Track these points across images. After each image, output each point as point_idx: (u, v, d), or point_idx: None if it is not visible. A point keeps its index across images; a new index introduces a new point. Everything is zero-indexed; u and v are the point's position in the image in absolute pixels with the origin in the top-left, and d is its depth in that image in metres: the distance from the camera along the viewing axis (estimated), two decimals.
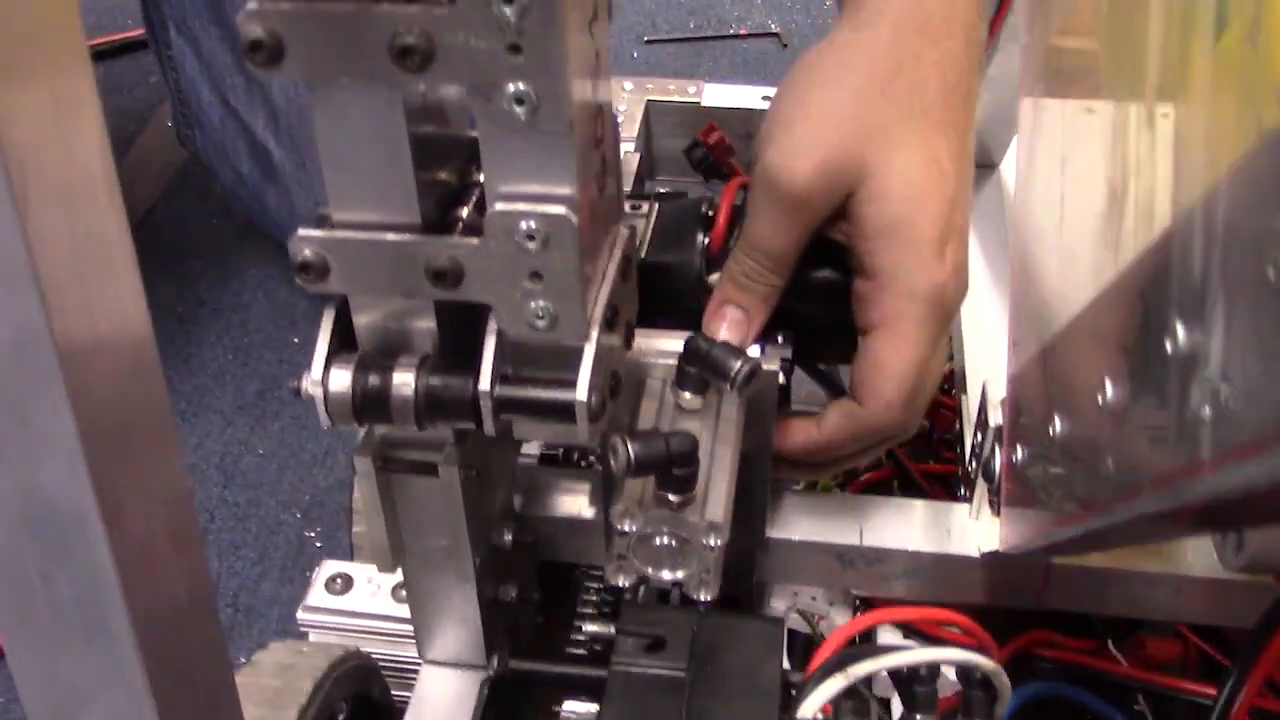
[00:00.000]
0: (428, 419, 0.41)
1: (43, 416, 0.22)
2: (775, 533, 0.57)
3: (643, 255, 0.57)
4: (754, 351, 0.51)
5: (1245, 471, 0.20)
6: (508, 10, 0.32)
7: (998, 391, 0.53)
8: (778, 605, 0.62)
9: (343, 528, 0.86)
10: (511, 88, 0.34)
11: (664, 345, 0.51)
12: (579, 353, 0.41)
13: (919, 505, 0.58)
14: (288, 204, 1.05)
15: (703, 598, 0.47)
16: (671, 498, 0.43)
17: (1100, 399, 0.29)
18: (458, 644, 0.54)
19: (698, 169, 0.63)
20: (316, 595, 0.58)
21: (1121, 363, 0.29)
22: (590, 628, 0.47)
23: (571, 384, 0.41)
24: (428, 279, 0.39)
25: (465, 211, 0.41)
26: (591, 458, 0.62)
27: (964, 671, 0.49)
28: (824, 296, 0.52)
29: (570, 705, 0.49)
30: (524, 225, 0.37)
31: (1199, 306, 0.23)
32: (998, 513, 0.53)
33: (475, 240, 0.38)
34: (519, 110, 0.35)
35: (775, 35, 1.77)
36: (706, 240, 0.57)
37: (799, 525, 0.57)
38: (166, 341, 1.03)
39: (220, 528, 0.85)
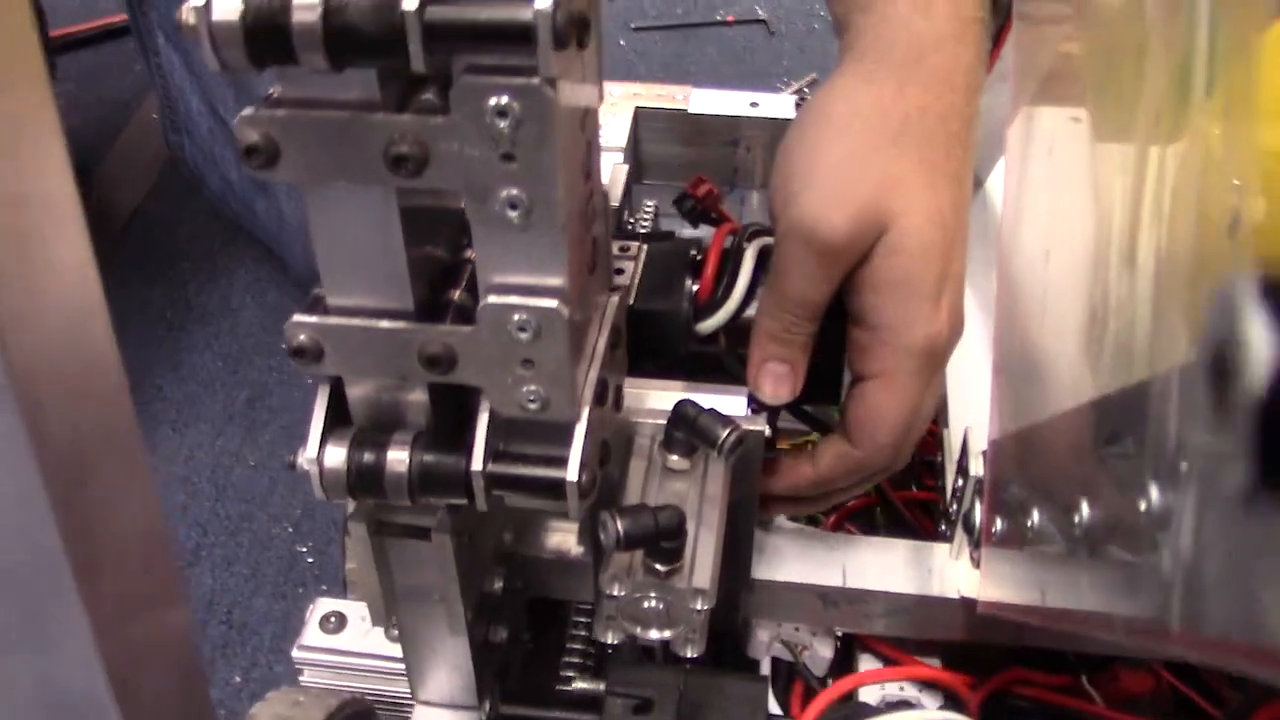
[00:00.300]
0: (421, 495, 0.42)
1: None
2: (760, 574, 0.58)
3: (631, 301, 0.57)
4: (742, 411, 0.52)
5: (1214, 656, 0.21)
6: (501, 123, 0.33)
7: (979, 440, 0.54)
8: (762, 636, 0.63)
9: (334, 542, 0.87)
10: (505, 193, 0.35)
11: (653, 403, 0.52)
12: (570, 428, 0.41)
13: (901, 546, 0.59)
14: (276, 211, 1.05)
15: (689, 654, 0.48)
16: (659, 567, 0.44)
17: (1075, 518, 0.30)
18: (450, 687, 0.55)
19: (687, 218, 0.63)
20: (311, 635, 0.59)
21: (1097, 488, 0.30)
22: (580, 684, 0.48)
23: (562, 461, 0.41)
24: (421, 364, 0.40)
25: (457, 294, 0.41)
26: None
27: None
28: (818, 344, 0.53)
29: None
30: (516, 317, 0.38)
31: (1172, 474, 0.24)
32: (978, 565, 0.54)
33: (468, 328, 0.39)
34: (512, 214, 0.35)
35: (763, 22, 1.77)
36: (695, 287, 0.58)
37: (783, 567, 0.58)
38: (155, 348, 1.03)
39: (213, 543, 0.86)
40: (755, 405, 0.53)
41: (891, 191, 0.48)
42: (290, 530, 0.87)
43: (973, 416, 0.59)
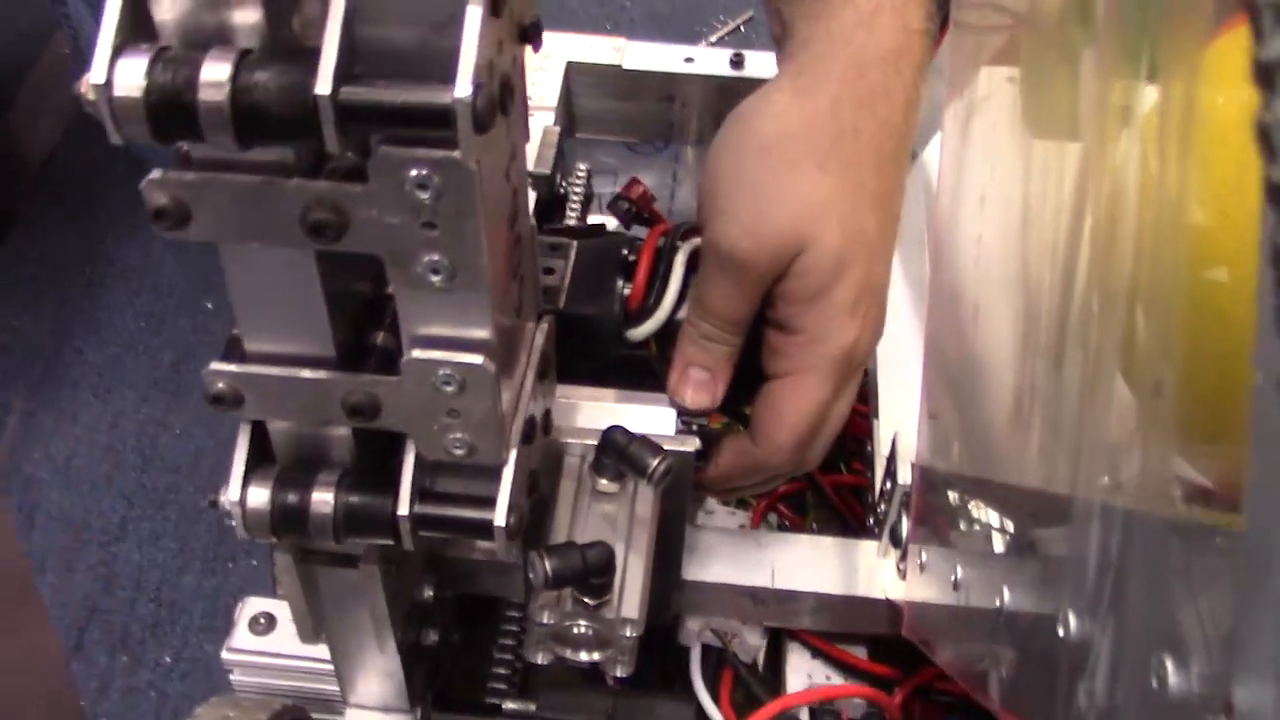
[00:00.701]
0: (346, 536, 0.42)
1: None
2: (690, 575, 0.58)
3: (561, 304, 0.57)
4: (671, 426, 0.52)
5: None
6: (422, 195, 0.32)
7: (909, 447, 0.55)
8: (692, 625, 0.64)
9: None
10: (427, 258, 0.34)
11: (583, 418, 0.51)
12: (498, 469, 0.41)
13: (829, 545, 0.60)
14: None
15: (620, 674, 0.48)
16: (588, 600, 0.44)
17: (996, 602, 0.31)
18: (381, 693, 0.55)
19: (621, 220, 0.62)
20: (241, 637, 0.58)
21: (1018, 578, 0.30)
22: (510, 705, 0.48)
23: (490, 502, 0.41)
24: (344, 411, 0.39)
25: (381, 336, 0.40)
26: None
27: None
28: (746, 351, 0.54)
29: None
30: (441, 372, 0.37)
31: (1094, 608, 0.24)
32: (904, 576, 0.55)
33: (392, 379, 0.38)
34: (435, 279, 0.34)
35: None
36: (626, 290, 0.57)
37: (713, 567, 0.58)
38: (74, 307, 1.00)
39: (140, 516, 0.84)
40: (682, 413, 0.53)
41: (811, 216, 0.48)
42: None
43: (903, 415, 0.60)
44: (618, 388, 0.59)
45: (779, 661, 0.63)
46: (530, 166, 0.71)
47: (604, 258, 0.58)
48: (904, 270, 0.73)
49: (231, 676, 0.59)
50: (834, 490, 0.70)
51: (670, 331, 0.56)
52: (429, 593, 0.53)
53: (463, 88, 0.28)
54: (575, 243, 0.60)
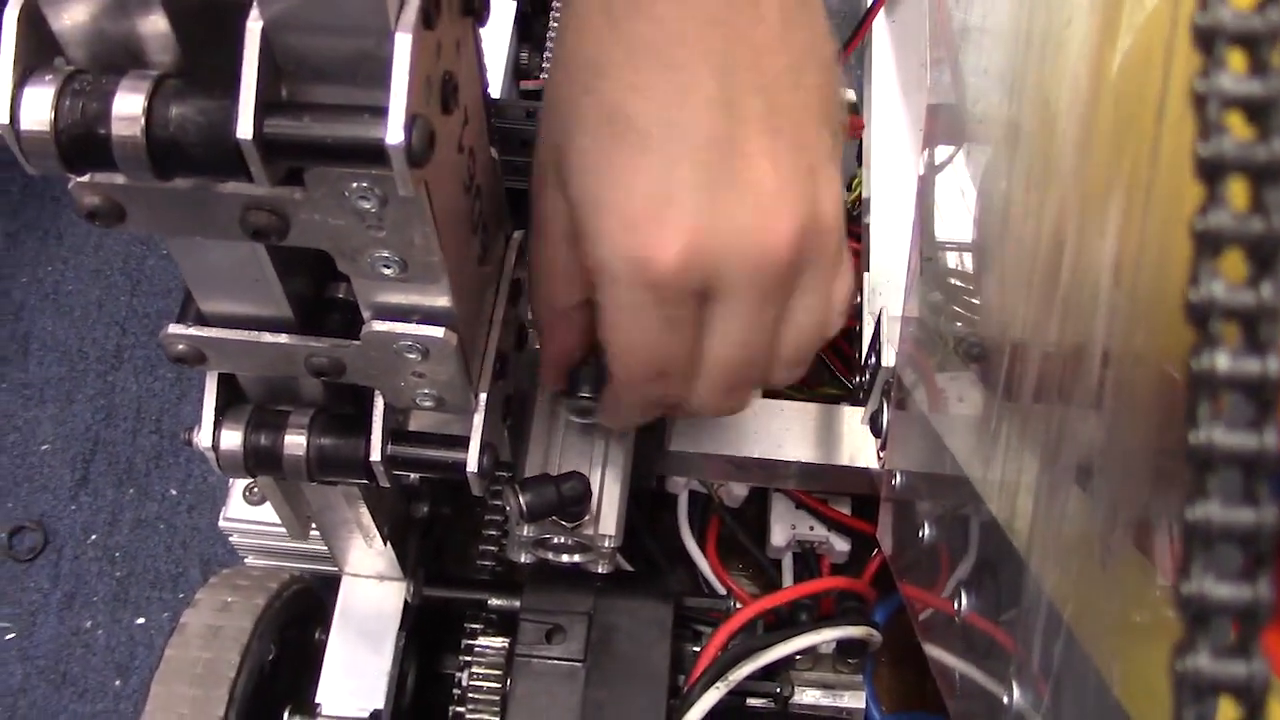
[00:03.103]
0: (320, 476, 0.42)
1: None
2: (675, 446, 0.59)
3: None
4: None
5: None
6: (365, 204, 0.30)
7: (894, 330, 0.54)
8: (677, 479, 0.65)
9: None
10: (377, 254, 0.32)
11: None
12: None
13: (812, 412, 0.60)
14: None
15: (601, 571, 0.50)
16: (565, 524, 0.45)
17: (955, 605, 0.31)
18: (374, 566, 0.57)
19: None
20: (236, 506, 0.60)
21: (976, 586, 0.30)
22: (495, 601, 0.50)
23: (463, 442, 0.41)
24: (309, 371, 0.38)
25: (342, 289, 0.39)
26: None
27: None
28: None
29: (484, 640, 0.52)
30: (402, 342, 0.36)
31: (1035, 692, 0.24)
32: (883, 465, 0.55)
33: (353, 344, 0.37)
34: (387, 271, 0.33)
35: None
36: None
37: (697, 438, 0.59)
38: None
39: (134, 344, 0.85)
40: None
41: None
42: None
43: (890, 296, 0.59)
44: None
45: (764, 512, 0.65)
46: None
47: None
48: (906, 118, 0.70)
49: (232, 540, 0.61)
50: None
51: None
52: (414, 477, 0.54)
53: (394, 134, 0.26)
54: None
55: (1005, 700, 0.25)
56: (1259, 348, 0.13)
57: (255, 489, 0.62)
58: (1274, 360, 0.13)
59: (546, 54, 0.77)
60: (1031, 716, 0.24)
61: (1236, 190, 0.13)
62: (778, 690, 0.49)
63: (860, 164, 0.72)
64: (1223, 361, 0.13)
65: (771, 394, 0.67)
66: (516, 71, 0.74)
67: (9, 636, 0.74)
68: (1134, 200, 0.24)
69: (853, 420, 0.59)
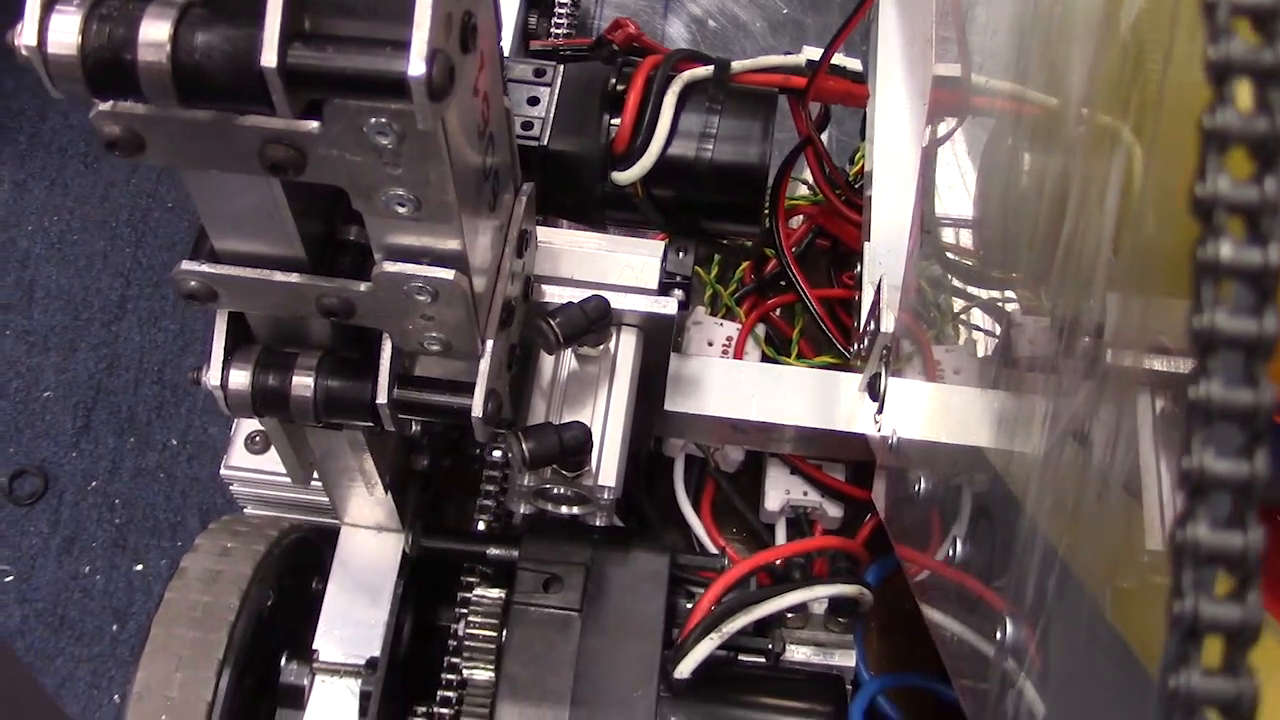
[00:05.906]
0: (327, 418, 0.42)
1: None
2: (673, 406, 0.59)
3: (545, 139, 0.55)
4: (655, 277, 0.51)
5: None
6: (383, 140, 0.30)
7: (895, 296, 0.54)
8: (675, 441, 0.66)
9: None
10: (392, 191, 0.33)
11: (565, 271, 0.51)
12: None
13: (809, 377, 0.60)
14: None
15: (599, 524, 0.50)
16: (566, 474, 0.45)
17: (949, 550, 0.32)
18: (373, 516, 0.57)
19: (608, 64, 0.59)
20: (238, 455, 0.61)
21: (970, 537, 0.31)
22: (494, 551, 0.50)
23: (469, 387, 0.42)
24: (318, 311, 0.39)
25: (354, 231, 0.40)
26: None
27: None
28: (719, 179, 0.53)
29: (481, 591, 0.53)
30: (413, 283, 0.37)
31: (1027, 627, 0.25)
32: (880, 429, 0.56)
33: (364, 285, 0.38)
34: (401, 210, 0.33)
35: None
36: (613, 123, 0.55)
37: (695, 399, 0.59)
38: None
39: (137, 295, 0.85)
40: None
41: None
42: None
43: (890, 261, 0.59)
44: (601, 223, 0.58)
45: (759, 477, 0.66)
46: None
47: (590, 88, 0.56)
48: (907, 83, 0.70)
49: (233, 489, 0.62)
50: (820, 304, 0.70)
51: (658, 173, 0.55)
52: (416, 428, 0.55)
53: (416, 66, 0.26)
54: (562, 67, 0.57)
55: (998, 636, 0.26)
56: (1260, 239, 0.14)
57: (258, 438, 0.62)
58: (1275, 251, 0.14)
59: (555, 18, 0.78)
60: (1023, 649, 0.25)
61: (1242, 92, 0.13)
62: (769, 646, 0.50)
63: (864, 137, 0.72)
64: (1226, 251, 0.14)
65: (770, 359, 0.68)
66: (525, 34, 0.74)
67: (8, 579, 0.74)
68: (1134, 157, 0.25)
69: (850, 387, 0.60)
